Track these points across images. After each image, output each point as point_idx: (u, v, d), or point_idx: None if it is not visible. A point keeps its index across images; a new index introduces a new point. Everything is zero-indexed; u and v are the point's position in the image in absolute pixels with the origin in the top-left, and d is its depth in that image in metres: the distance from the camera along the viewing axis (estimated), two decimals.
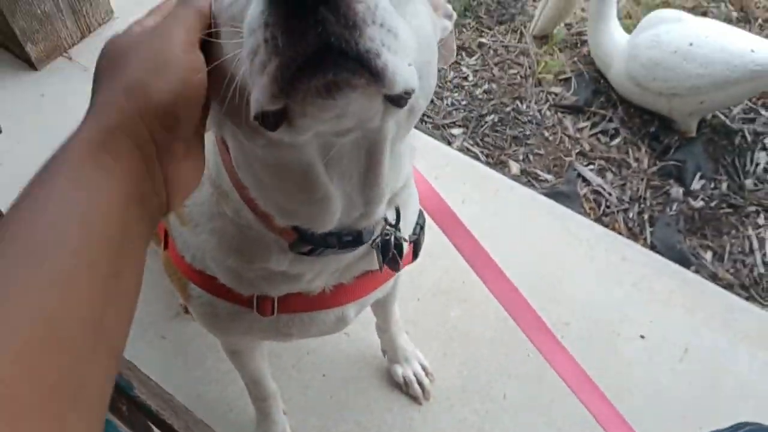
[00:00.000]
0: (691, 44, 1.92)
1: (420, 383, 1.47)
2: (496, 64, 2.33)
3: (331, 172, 0.60)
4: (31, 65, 2.14)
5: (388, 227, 0.77)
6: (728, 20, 2.46)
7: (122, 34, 0.54)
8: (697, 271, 1.77)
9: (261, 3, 0.44)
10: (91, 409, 0.42)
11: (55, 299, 0.40)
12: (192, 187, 0.57)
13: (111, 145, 0.47)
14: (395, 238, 0.78)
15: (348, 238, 0.70)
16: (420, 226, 0.94)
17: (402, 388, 1.49)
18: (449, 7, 0.72)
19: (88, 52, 2.19)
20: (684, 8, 2.47)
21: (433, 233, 1.02)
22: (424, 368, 1.50)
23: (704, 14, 2.48)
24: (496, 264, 1.15)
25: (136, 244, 0.48)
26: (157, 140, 0.50)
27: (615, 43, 2.13)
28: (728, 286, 1.75)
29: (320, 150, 0.57)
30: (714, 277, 1.78)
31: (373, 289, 0.91)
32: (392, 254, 0.78)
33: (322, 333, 0.96)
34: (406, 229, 0.90)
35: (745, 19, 2.51)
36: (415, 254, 0.95)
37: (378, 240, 0.77)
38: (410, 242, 0.92)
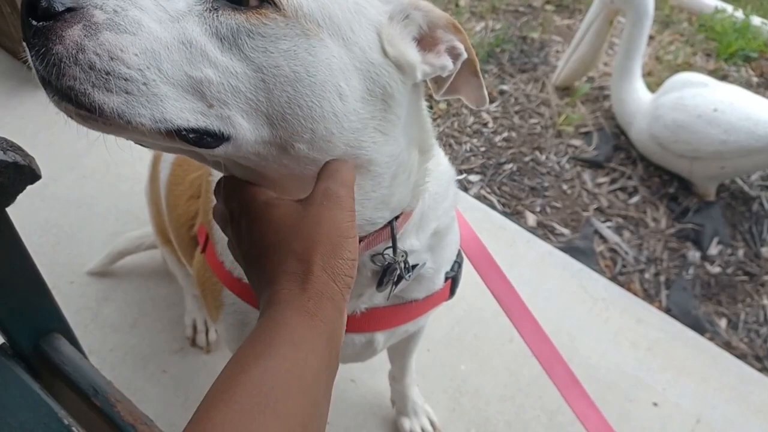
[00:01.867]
0: (715, 110, 1.92)
1: None
2: (516, 113, 2.32)
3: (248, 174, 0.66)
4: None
5: (397, 257, 0.77)
6: (748, 85, 2.48)
7: (273, 209, 0.61)
8: (711, 339, 1.73)
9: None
10: None
11: None
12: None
13: (318, 308, 0.56)
14: (400, 268, 0.78)
15: None
16: (458, 264, 0.96)
17: None
18: (460, 46, 0.69)
19: None
20: (705, 70, 2.49)
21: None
22: (432, 423, 1.45)
23: (724, 78, 2.50)
24: (531, 314, 1.13)
25: (327, 396, 0.55)
26: (344, 294, 0.60)
27: (638, 101, 2.13)
28: (742, 356, 1.72)
29: (248, 169, 0.65)
30: (728, 346, 1.75)
31: (404, 321, 0.92)
32: (388, 280, 0.79)
33: (349, 356, 0.96)
34: (445, 266, 0.92)
35: (765, 85, 2.52)
36: (452, 291, 0.97)
37: (384, 264, 0.78)
38: (448, 278, 0.94)
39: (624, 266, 1.92)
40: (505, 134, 2.25)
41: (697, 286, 1.88)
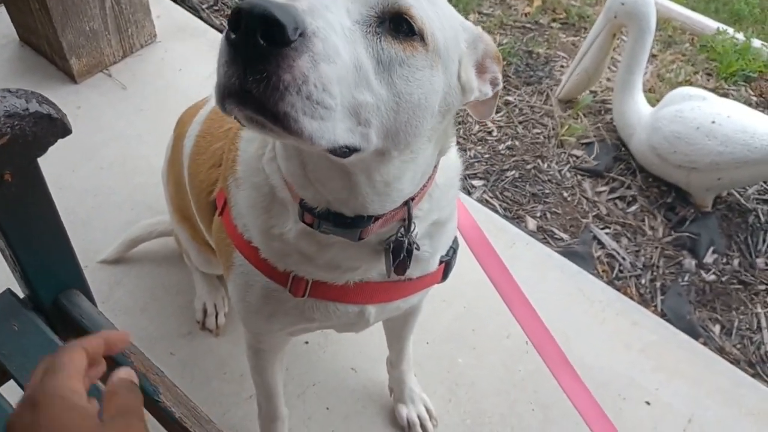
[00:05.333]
0: (713, 122, 1.98)
1: (423, 427, 1.47)
2: (520, 122, 2.39)
3: (310, 171, 0.74)
4: (71, 78, 2.21)
5: (402, 231, 0.83)
6: (748, 104, 2.53)
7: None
8: (705, 344, 1.77)
9: (225, 39, 0.53)
10: None
11: None
12: None
13: None
14: (408, 242, 0.84)
15: (342, 220, 0.78)
16: (453, 250, 1.01)
17: (405, 430, 1.48)
18: (500, 77, 0.80)
19: (127, 71, 2.26)
20: (706, 89, 2.54)
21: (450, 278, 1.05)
22: (428, 411, 1.49)
23: (725, 96, 2.55)
24: (526, 299, 1.18)
25: None
26: None
27: (639, 114, 2.19)
28: (735, 361, 1.75)
29: (297, 150, 0.73)
30: (721, 351, 1.79)
31: (396, 297, 0.97)
32: (403, 257, 0.84)
33: (343, 326, 1.02)
34: (441, 250, 0.97)
35: (764, 104, 2.58)
36: (445, 275, 1.02)
37: (391, 242, 0.83)
38: (442, 262, 0.99)
39: (621, 271, 1.96)
40: (509, 143, 2.32)
41: (692, 293, 1.92)
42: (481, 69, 0.78)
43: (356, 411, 1.53)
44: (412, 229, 0.83)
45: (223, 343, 1.62)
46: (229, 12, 0.65)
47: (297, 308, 0.92)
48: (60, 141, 0.84)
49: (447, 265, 1.00)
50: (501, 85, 0.81)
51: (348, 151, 0.62)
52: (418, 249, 0.84)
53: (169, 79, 2.24)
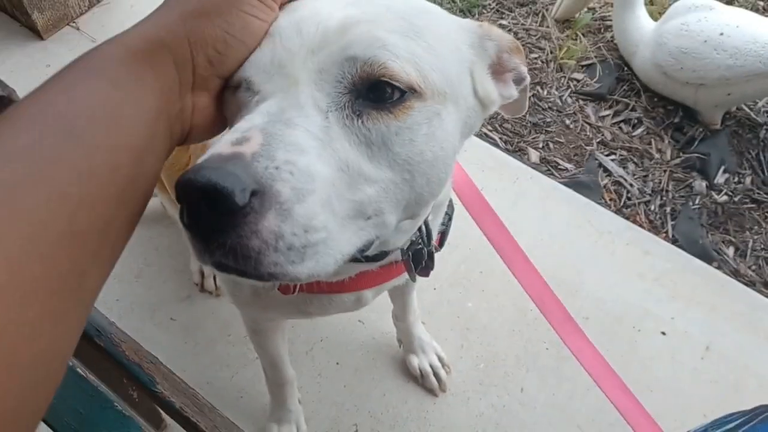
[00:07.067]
0: (721, 34, 1.86)
1: (436, 375, 1.44)
2: None
3: None
4: (36, 34, 2.08)
5: (419, 242, 0.76)
6: (755, 10, 2.40)
7: None
8: (719, 267, 1.72)
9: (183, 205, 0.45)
10: (85, 308, 0.42)
11: (76, 191, 0.39)
12: (214, 131, 0.56)
13: (152, 56, 0.47)
14: (427, 250, 0.77)
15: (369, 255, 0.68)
16: (449, 216, 0.93)
17: (418, 379, 1.45)
18: (524, 71, 0.65)
19: (95, 22, 2.12)
20: None
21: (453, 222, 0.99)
22: (440, 359, 1.46)
23: (730, 3, 2.42)
24: (525, 255, 1.12)
25: (155, 160, 0.47)
26: (197, 68, 0.50)
27: (641, 30, 2.07)
28: (750, 284, 1.71)
29: None
30: (736, 274, 1.74)
31: (393, 277, 0.90)
32: (425, 263, 0.78)
33: (340, 311, 0.96)
34: (437, 226, 0.89)
35: None
36: (441, 244, 0.95)
37: (409, 251, 0.76)
38: (439, 233, 0.92)
39: (629, 199, 1.89)
40: None
41: (703, 216, 1.86)
42: (498, 69, 0.64)
43: (366, 364, 1.49)
44: (431, 239, 0.76)
45: (225, 304, 1.56)
46: None
47: (291, 303, 0.85)
48: None
49: (442, 235, 0.93)
50: (528, 79, 0.67)
51: (365, 248, 0.53)
52: (437, 251, 0.77)
53: None
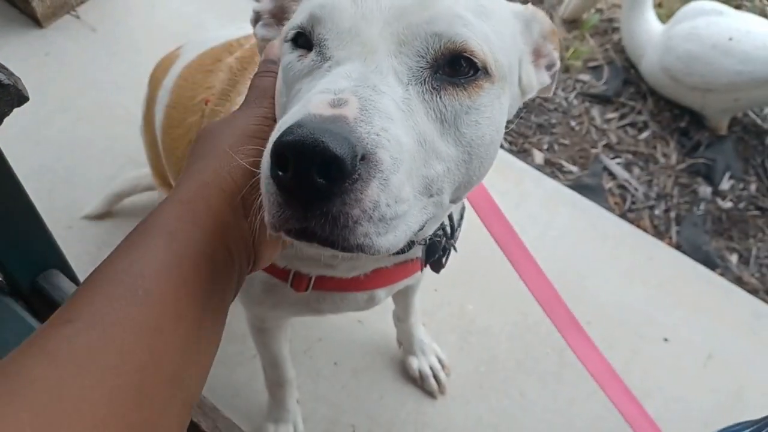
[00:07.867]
0: (731, 39, 1.84)
1: (436, 377, 1.42)
2: None
3: None
4: (36, 22, 2.04)
5: (440, 232, 0.75)
6: (762, 14, 2.38)
7: (212, 123, 0.60)
8: (722, 274, 1.71)
9: (268, 167, 0.44)
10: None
11: (145, 351, 0.41)
12: (277, 247, 0.57)
13: (204, 195, 0.50)
14: (446, 242, 0.76)
15: None
16: (461, 214, 0.92)
17: (417, 381, 1.43)
18: (556, 58, 0.66)
19: (96, 11, 2.09)
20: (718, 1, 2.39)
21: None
22: (440, 362, 1.44)
23: (738, 8, 2.40)
24: (533, 259, 1.10)
25: (221, 295, 0.49)
26: (245, 196, 0.52)
27: (649, 33, 2.05)
28: (753, 291, 1.69)
29: None
30: (739, 281, 1.73)
31: (408, 275, 0.89)
32: (438, 256, 0.77)
33: (351, 310, 0.95)
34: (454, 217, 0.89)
35: None
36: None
37: (426, 241, 0.75)
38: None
39: (633, 203, 1.88)
40: None
41: (708, 222, 1.84)
42: (537, 55, 0.65)
43: (365, 365, 1.47)
44: (455, 232, 0.76)
45: None
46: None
47: (302, 301, 0.84)
48: (31, 94, 0.71)
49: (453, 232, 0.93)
50: (558, 64, 0.67)
51: (421, 228, 0.52)
52: (456, 251, 0.76)
53: (142, 17, 2.06)
